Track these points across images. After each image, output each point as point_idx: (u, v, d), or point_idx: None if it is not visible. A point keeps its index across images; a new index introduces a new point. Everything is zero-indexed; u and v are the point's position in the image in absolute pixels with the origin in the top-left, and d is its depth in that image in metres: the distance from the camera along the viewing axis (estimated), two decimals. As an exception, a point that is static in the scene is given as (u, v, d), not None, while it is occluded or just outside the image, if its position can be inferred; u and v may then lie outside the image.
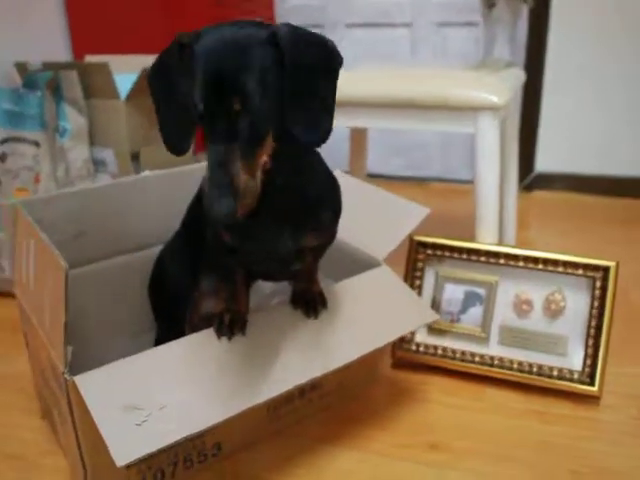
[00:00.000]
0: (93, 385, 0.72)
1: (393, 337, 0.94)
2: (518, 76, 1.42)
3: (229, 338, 0.82)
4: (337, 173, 1.20)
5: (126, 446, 0.68)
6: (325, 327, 0.89)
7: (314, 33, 0.67)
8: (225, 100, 0.61)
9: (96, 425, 0.69)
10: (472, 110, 1.16)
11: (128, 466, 0.81)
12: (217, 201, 0.60)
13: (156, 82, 0.70)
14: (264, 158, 0.65)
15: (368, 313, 0.93)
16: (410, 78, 1.24)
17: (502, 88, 1.18)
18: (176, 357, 0.79)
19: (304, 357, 0.84)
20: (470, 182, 2.37)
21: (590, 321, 1.08)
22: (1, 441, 1.00)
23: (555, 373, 1.07)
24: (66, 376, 0.73)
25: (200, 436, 0.87)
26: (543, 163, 2.29)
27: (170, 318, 1.03)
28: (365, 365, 1.09)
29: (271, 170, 0.67)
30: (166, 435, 0.70)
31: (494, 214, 1.22)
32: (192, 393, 0.75)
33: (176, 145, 0.69)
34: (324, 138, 0.67)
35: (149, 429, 0.70)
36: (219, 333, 0.82)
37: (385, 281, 1.00)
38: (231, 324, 0.83)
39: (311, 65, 0.65)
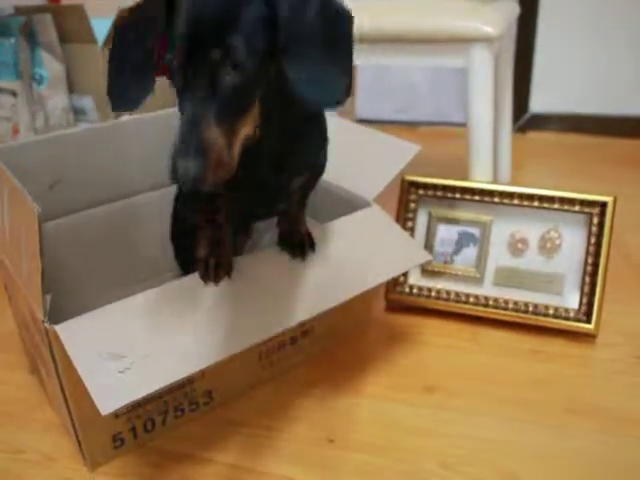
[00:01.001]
0: (75, 333, 0.70)
1: (385, 278, 0.91)
2: (512, 8, 1.36)
3: (215, 283, 0.80)
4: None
5: (110, 394, 0.65)
6: (315, 269, 0.86)
7: None
8: (206, 51, 0.54)
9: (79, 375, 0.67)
10: (464, 42, 1.11)
11: (117, 415, 0.80)
12: (184, 165, 0.52)
13: (129, 21, 0.62)
14: (246, 130, 0.59)
15: (359, 254, 0.91)
16: (398, 10, 1.19)
17: (496, 18, 1.13)
18: (161, 303, 0.77)
19: (294, 300, 0.82)
20: (463, 125, 2.32)
21: (587, 258, 1.06)
22: (-12, 396, 0.98)
23: (551, 312, 1.06)
24: (46, 325, 0.70)
25: (190, 383, 0.86)
26: (538, 103, 2.24)
27: (189, 263, 0.99)
28: (358, 309, 1.07)
29: (259, 141, 0.62)
30: (151, 382, 0.67)
31: (488, 153, 1.18)
32: (177, 340, 0.73)
33: (125, 101, 0.62)
34: (336, 101, 0.57)
35: (133, 377, 0.67)
36: (205, 278, 0.80)
37: (376, 221, 0.97)
38: (216, 268, 0.80)
39: (314, 26, 0.57)
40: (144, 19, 0.61)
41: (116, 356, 0.69)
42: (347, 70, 0.59)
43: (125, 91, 0.63)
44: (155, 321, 0.74)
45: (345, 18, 0.59)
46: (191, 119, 0.54)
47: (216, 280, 0.79)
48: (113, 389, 0.66)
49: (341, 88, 0.58)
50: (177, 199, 1.03)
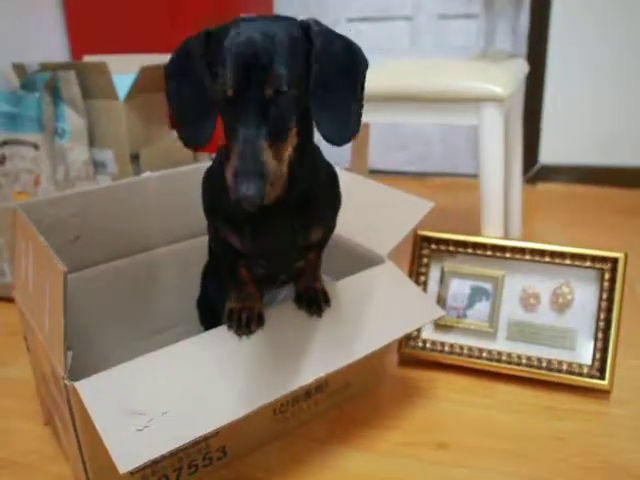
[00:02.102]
0: (94, 390, 0.71)
1: (399, 334, 0.92)
2: (521, 67, 1.39)
3: (248, 335, 0.83)
4: (337, 170, 1.19)
5: (128, 452, 0.66)
6: (331, 326, 0.88)
7: (342, 35, 0.67)
8: (257, 83, 0.60)
9: (98, 431, 0.68)
10: (475, 101, 1.14)
11: (132, 472, 0.80)
12: (246, 185, 0.58)
13: (176, 70, 0.69)
14: (289, 149, 0.65)
15: (373, 310, 0.92)
16: (411, 70, 1.22)
17: (506, 79, 1.16)
18: (179, 360, 0.78)
19: (309, 357, 0.83)
20: (473, 176, 2.35)
21: (599, 314, 1.07)
22: (2, 447, 0.98)
23: (564, 367, 1.06)
24: (66, 381, 0.71)
25: (205, 439, 0.86)
26: (547, 155, 2.27)
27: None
28: (371, 364, 1.07)
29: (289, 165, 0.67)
30: (169, 440, 0.68)
31: (499, 207, 1.20)
32: (195, 397, 0.74)
33: (194, 138, 0.69)
34: (349, 138, 0.68)
35: (151, 435, 0.68)
36: (238, 332, 0.83)
37: (389, 277, 0.98)
38: (248, 321, 0.83)
39: (339, 64, 0.66)
40: (190, 60, 0.67)
41: (135, 413, 0.70)
42: (359, 110, 0.68)
43: (192, 130, 0.69)
44: (173, 378, 0.76)
45: (362, 62, 0.68)
46: (246, 146, 0.60)
47: (249, 332, 0.82)
48: (132, 447, 0.67)
49: (354, 127, 0.68)
50: (205, 272, 1.07)
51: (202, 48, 0.65)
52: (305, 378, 0.80)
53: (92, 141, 1.55)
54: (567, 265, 1.10)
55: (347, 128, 0.67)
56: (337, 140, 0.67)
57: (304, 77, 0.64)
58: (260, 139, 0.60)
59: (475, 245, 1.14)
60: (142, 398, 0.72)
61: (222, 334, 0.83)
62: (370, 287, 0.95)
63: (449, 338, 1.13)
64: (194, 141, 0.69)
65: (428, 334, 1.14)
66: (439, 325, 1.14)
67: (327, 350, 0.84)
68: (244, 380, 0.77)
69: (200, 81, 0.66)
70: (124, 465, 0.64)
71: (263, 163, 0.60)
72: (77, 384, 0.71)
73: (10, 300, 1.33)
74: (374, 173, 1.93)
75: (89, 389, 0.71)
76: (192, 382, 0.76)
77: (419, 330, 1.14)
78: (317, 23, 0.66)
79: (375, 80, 1.23)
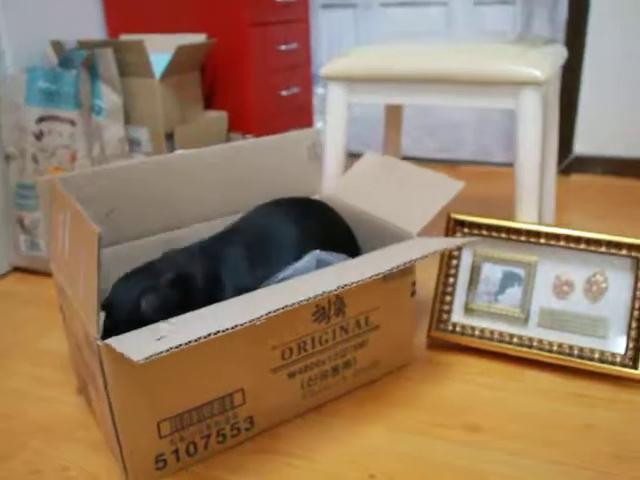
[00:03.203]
0: (125, 345, 0.71)
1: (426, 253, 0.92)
2: (560, 52, 1.37)
3: None
4: (368, 154, 1.19)
5: (144, 351, 0.67)
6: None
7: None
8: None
9: (130, 392, 0.69)
10: (514, 85, 1.12)
11: (161, 436, 0.82)
12: None
13: None
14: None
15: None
16: (448, 52, 1.21)
17: (545, 63, 1.14)
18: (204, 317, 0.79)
19: (331, 279, 0.84)
20: (504, 165, 2.32)
21: (633, 303, 1.05)
22: (37, 414, 1.01)
23: (596, 356, 1.04)
24: (98, 342, 0.73)
25: (232, 408, 0.87)
26: (582, 146, 2.23)
27: None
28: (400, 340, 1.07)
29: None
30: (186, 338, 0.69)
31: (535, 194, 1.18)
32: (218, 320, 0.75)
33: None
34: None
35: (167, 341, 0.69)
36: None
37: (419, 245, 0.98)
38: None
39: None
40: None
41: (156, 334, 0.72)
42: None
43: None
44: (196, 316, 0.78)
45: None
46: None
47: None
48: (148, 348, 0.68)
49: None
50: None
51: None
52: (328, 287, 0.80)
53: (128, 119, 1.57)
54: (602, 253, 1.08)
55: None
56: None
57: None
58: None
59: (509, 230, 1.13)
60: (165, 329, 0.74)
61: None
62: (398, 251, 0.96)
63: (479, 322, 1.13)
64: None
65: (458, 318, 1.14)
66: (469, 309, 1.14)
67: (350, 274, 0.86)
68: (264, 300, 0.80)
69: None
70: (139, 356, 0.65)
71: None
72: (109, 341, 0.72)
73: (47, 274, 1.36)
74: (405, 160, 1.91)
75: (120, 345, 0.71)
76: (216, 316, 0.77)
77: (449, 313, 1.14)
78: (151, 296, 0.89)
79: (410, 61, 1.22)
